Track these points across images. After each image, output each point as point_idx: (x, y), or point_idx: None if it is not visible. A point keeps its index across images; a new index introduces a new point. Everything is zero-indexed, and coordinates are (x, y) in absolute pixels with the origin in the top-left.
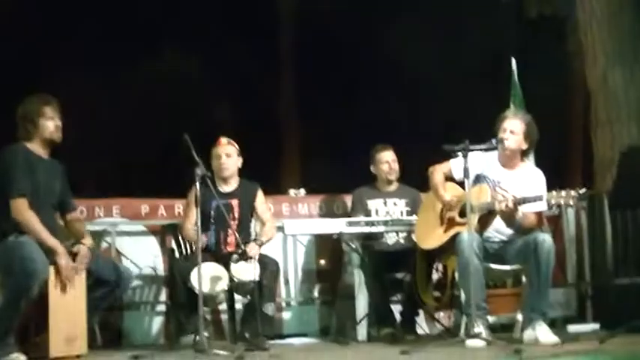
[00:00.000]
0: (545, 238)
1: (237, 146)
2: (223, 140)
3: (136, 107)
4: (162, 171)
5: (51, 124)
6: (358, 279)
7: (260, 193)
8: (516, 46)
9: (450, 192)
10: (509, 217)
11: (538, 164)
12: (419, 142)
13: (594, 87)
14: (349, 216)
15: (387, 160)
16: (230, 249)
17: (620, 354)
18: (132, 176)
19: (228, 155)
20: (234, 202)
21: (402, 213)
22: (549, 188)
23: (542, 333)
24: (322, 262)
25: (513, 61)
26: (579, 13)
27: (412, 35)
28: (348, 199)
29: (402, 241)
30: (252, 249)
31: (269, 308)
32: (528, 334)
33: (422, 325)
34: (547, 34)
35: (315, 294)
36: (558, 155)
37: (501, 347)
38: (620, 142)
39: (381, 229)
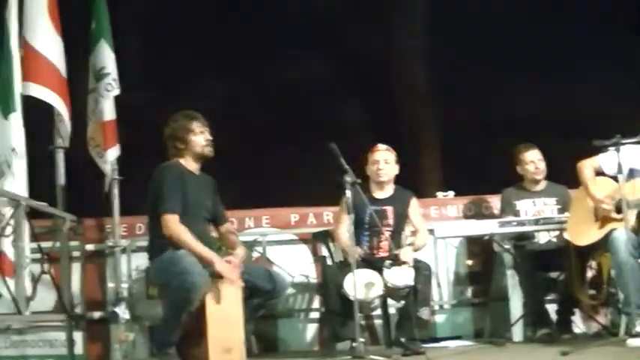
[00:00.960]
0: None
1: (395, 153)
2: (381, 146)
3: (268, 111)
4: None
5: (201, 138)
6: (512, 280)
7: (414, 202)
8: None
9: (600, 187)
10: None
11: None
12: (563, 137)
13: None
14: (497, 217)
15: (533, 160)
16: (383, 254)
17: None
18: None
19: (387, 162)
20: (389, 209)
21: (552, 211)
22: None
23: None
24: (469, 262)
25: None
26: None
27: None
28: (493, 200)
29: (554, 239)
30: (407, 254)
31: (424, 312)
32: None
33: (578, 325)
34: None
35: (468, 296)
36: None
37: None
38: None
39: (532, 228)
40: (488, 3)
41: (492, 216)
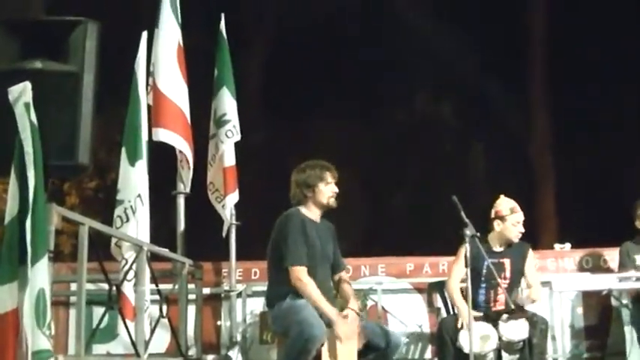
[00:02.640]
0: None
1: None
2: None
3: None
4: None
5: (329, 189)
6: (630, 336)
7: (531, 254)
8: None
9: None
10: None
11: None
12: None
13: None
14: (613, 270)
15: None
16: (499, 307)
17: None
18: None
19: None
20: (507, 262)
21: None
22: None
23: None
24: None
25: None
26: None
27: None
28: (610, 253)
29: None
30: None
31: None
32: None
33: None
34: None
35: (583, 350)
36: None
37: None
38: None
39: None
40: None
41: (609, 270)
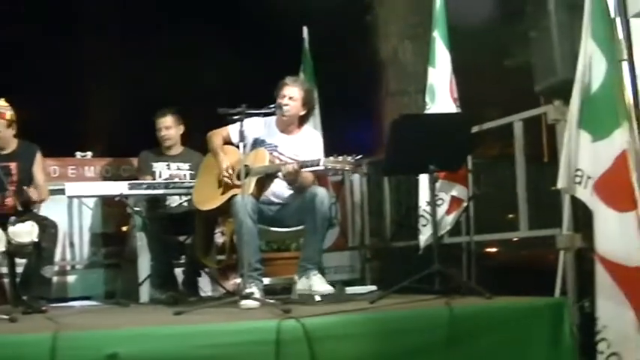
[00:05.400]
0: (319, 191)
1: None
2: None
3: None
4: None
5: None
6: (141, 242)
7: (39, 156)
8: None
9: (229, 156)
10: (291, 180)
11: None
12: (202, 105)
13: (386, 59)
14: (135, 179)
15: (160, 127)
16: (8, 211)
17: (387, 314)
18: None
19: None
20: (13, 165)
21: (185, 176)
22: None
23: (316, 282)
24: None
25: (305, 30)
26: None
27: None
28: (135, 162)
29: (185, 204)
30: (33, 194)
31: (48, 271)
32: (302, 283)
33: (205, 288)
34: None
35: (101, 257)
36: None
37: (273, 307)
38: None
39: (162, 192)
40: None
41: (132, 178)
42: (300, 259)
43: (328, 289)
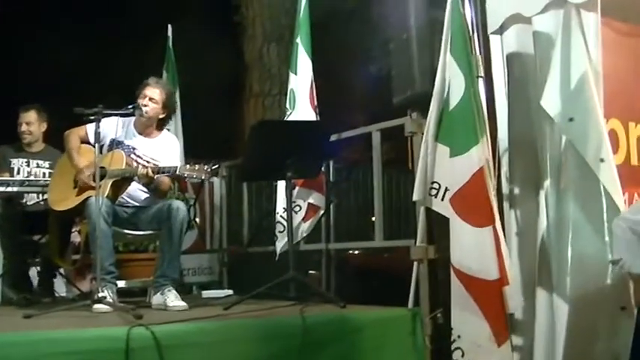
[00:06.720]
0: (180, 206)
1: None
2: None
3: None
4: None
5: None
6: None
7: None
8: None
9: (85, 156)
10: (146, 183)
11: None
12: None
13: (251, 60)
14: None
15: (21, 122)
16: None
17: (240, 322)
18: None
19: None
20: None
21: (44, 174)
22: (196, 157)
23: (171, 298)
24: None
25: (169, 29)
26: None
27: None
28: None
29: (42, 203)
30: None
31: None
32: (157, 299)
33: (59, 289)
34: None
35: None
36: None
37: (125, 312)
38: (270, 114)
39: (17, 189)
40: None
41: None
42: (155, 274)
43: (182, 305)
